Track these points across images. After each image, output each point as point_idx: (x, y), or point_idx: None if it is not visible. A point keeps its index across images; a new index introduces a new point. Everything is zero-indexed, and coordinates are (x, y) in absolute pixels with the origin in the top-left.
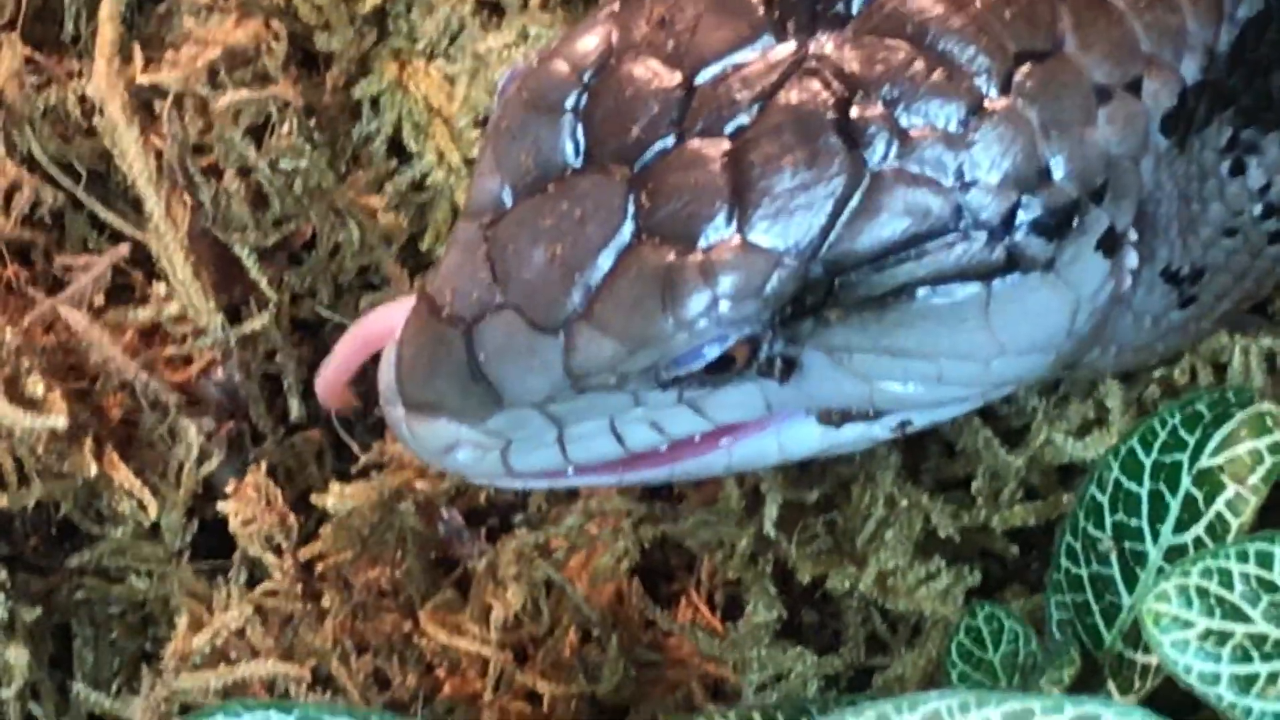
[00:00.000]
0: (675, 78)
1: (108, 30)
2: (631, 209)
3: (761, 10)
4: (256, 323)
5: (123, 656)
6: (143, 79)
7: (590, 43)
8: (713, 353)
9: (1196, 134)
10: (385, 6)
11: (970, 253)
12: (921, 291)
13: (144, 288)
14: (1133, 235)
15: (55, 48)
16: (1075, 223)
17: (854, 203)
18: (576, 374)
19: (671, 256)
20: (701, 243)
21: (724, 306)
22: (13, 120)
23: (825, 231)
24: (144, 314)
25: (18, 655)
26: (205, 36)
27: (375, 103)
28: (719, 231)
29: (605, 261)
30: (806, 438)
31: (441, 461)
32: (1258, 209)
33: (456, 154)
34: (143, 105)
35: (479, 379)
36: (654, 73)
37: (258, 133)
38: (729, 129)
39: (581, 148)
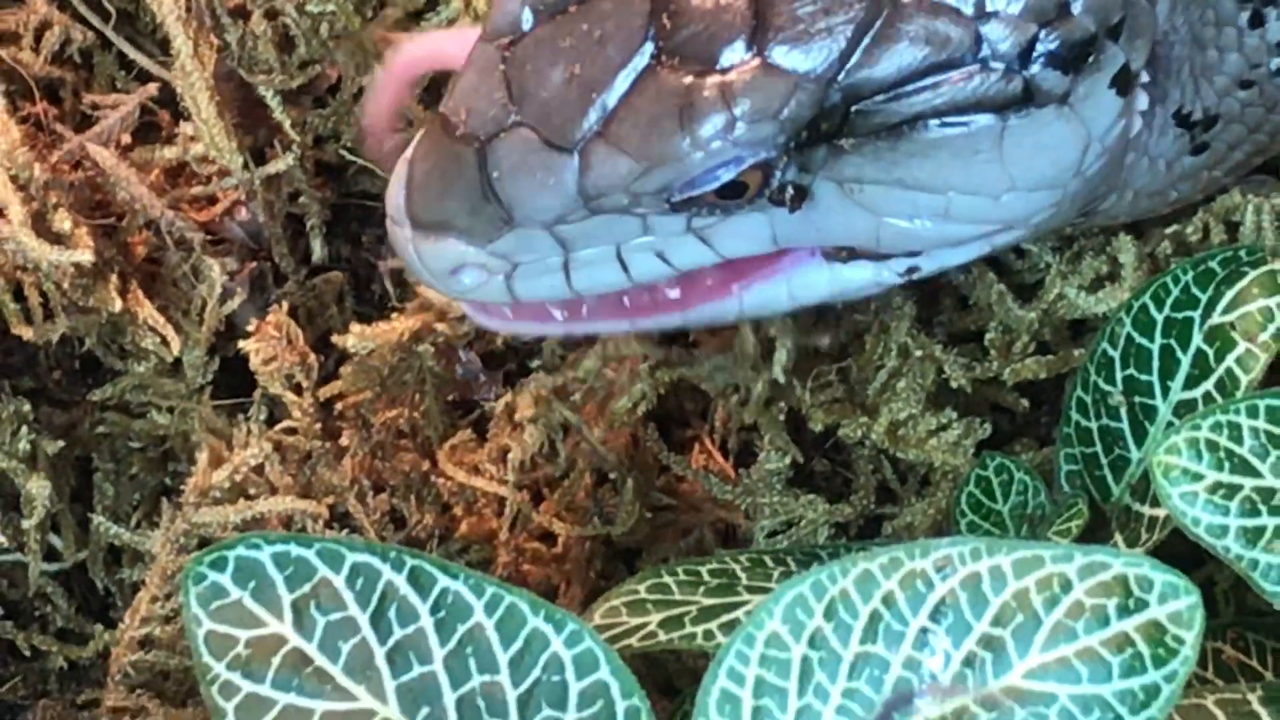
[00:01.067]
0: None
1: None
2: (652, 31)
3: None
4: (280, 164)
5: (143, 491)
6: None
7: None
8: (727, 175)
9: None
10: None
11: (987, 84)
12: (936, 122)
13: (170, 127)
14: (1145, 76)
15: None
16: (1091, 58)
17: (874, 29)
18: (589, 193)
19: (690, 78)
20: (721, 64)
21: (740, 128)
22: None
23: (844, 57)
24: (170, 153)
25: (39, 487)
26: None
27: None
28: (739, 54)
29: (624, 82)
30: (816, 283)
31: (446, 284)
32: (1276, 63)
33: None
34: None
35: (490, 197)
36: None
37: None
38: None
39: None
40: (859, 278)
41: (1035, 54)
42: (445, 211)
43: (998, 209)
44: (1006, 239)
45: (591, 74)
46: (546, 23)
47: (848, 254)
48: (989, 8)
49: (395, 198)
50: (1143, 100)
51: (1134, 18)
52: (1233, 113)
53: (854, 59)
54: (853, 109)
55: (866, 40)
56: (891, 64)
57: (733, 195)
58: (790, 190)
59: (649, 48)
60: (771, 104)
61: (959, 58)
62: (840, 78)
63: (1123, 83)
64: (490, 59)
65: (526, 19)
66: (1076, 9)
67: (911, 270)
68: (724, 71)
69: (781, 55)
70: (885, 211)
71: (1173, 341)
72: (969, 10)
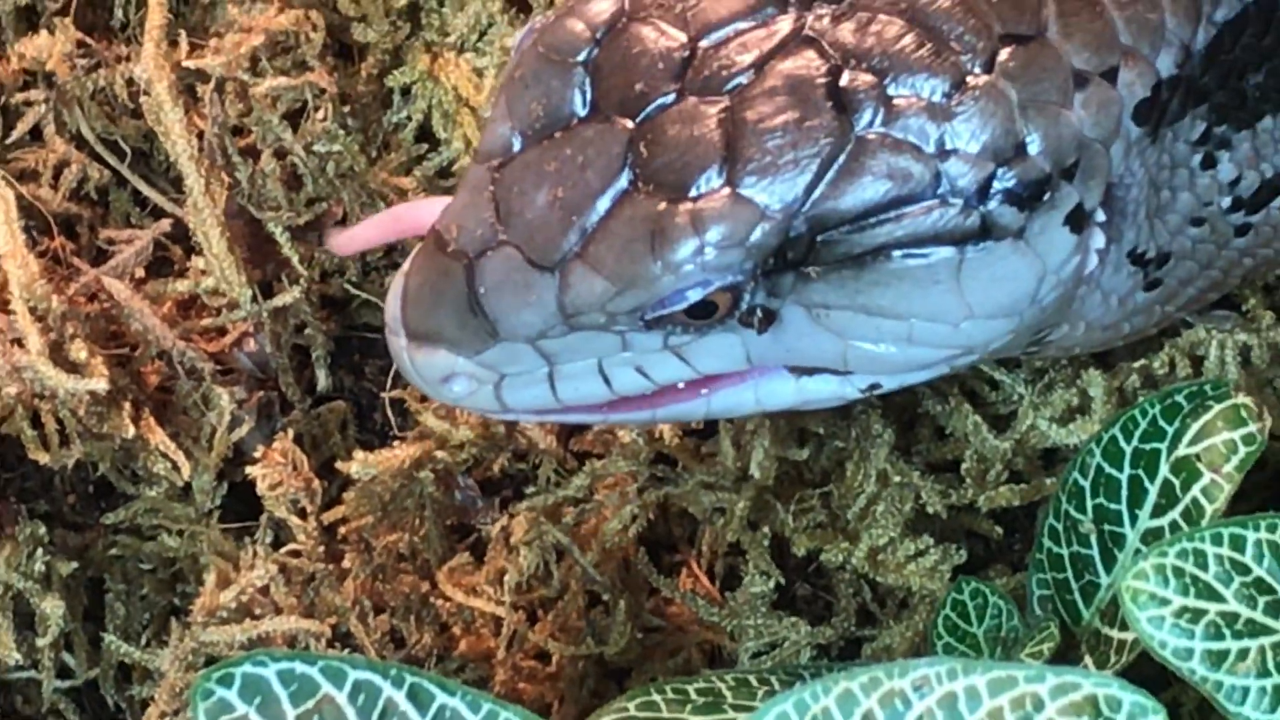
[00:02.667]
0: (681, 39)
1: (156, 16)
2: (630, 158)
3: None
4: (287, 297)
5: (153, 610)
6: (188, 63)
7: (604, 3)
8: (695, 296)
9: (1169, 125)
10: (419, 1)
11: (946, 218)
12: (898, 252)
13: (183, 261)
14: (1100, 216)
15: (105, 33)
16: (1046, 196)
17: (839, 164)
18: (568, 311)
19: (664, 204)
20: (693, 192)
21: (709, 254)
22: (63, 100)
23: (810, 189)
24: (182, 286)
25: (53, 606)
26: (248, 24)
27: (406, 92)
28: (710, 183)
29: (602, 206)
30: (782, 391)
31: (438, 391)
32: (1226, 201)
33: None
34: (186, 89)
35: (477, 311)
36: (661, 33)
37: (294, 117)
38: (727, 89)
39: (588, 99)
40: (823, 390)
41: (993, 191)
42: (436, 323)
43: (957, 335)
44: (965, 361)
45: (573, 197)
46: (533, 147)
47: (809, 370)
48: (949, 146)
49: (392, 309)
50: (1099, 238)
51: (1089, 160)
52: (1185, 250)
53: (819, 191)
54: (818, 238)
55: (831, 174)
56: (856, 197)
57: (703, 315)
58: (759, 313)
59: (627, 174)
60: (739, 232)
61: (920, 192)
62: (806, 209)
63: (1076, 221)
64: (481, 180)
65: (515, 143)
66: (1033, 149)
67: (873, 386)
68: (696, 199)
69: (751, 186)
70: (851, 335)
71: (1141, 472)
72: (930, 148)
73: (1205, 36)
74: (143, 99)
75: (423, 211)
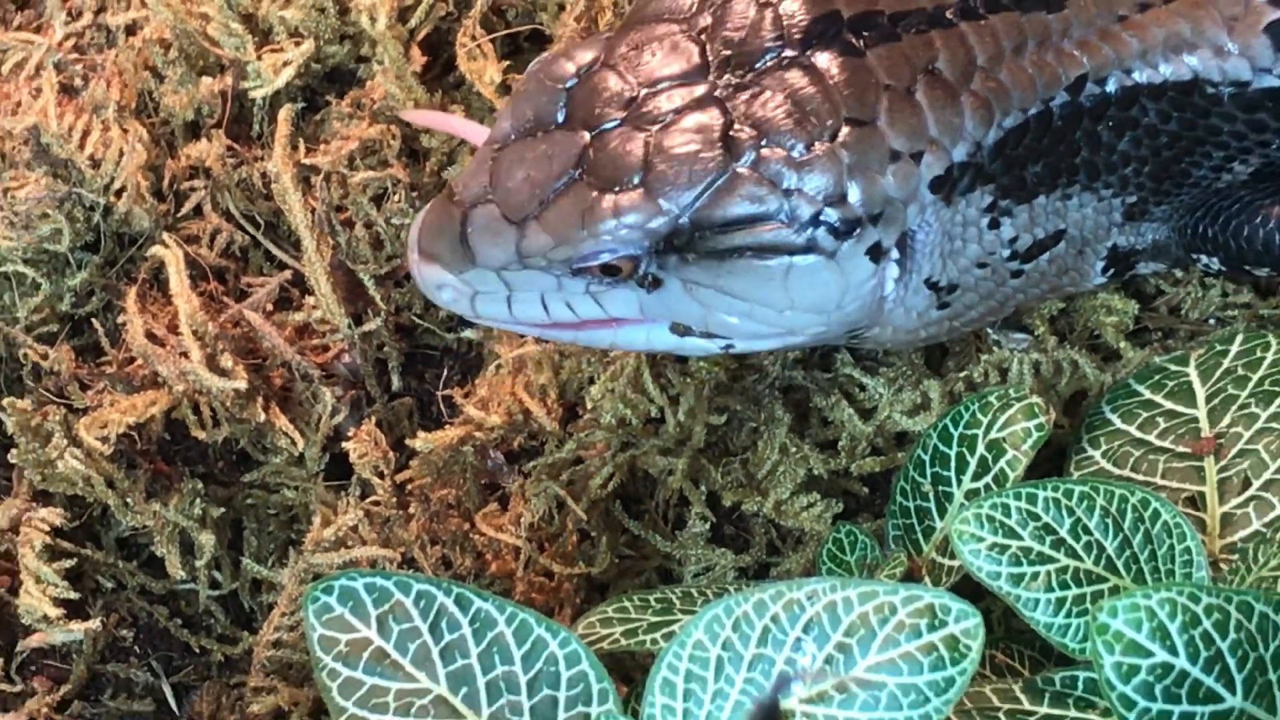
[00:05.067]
0: (633, 84)
1: (283, 128)
2: (582, 158)
3: (697, 57)
4: (372, 325)
5: (277, 542)
6: (305, 161)
7: (587, 53)
8: (607, 258)
9: (963, 195)
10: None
11: (784, 235)
12: (749, 254)
13: (300, 300)
14: (895, 254)
15: (247, 140)
16: (856, 232)
17: (718, 185)
18: (522, 254)
19: (596, 193)
20: (617, 189)
21: (621, 231)
22: (217, 187)
23: (696, 199)
24: (298, 317)
25: (207, 539)
26: (346, 134)
27: None
28: (630, 184)
29: (558, 186)
30: (665, 338)
31: (433, 295)
32: (1006, 253)
33: None
34: (303, 179)
35: (465, 244)
36: (620, 78)
37: (379, 200)
38: (654, 123)
39: (564, 114)
40: (693, 344)
41: (819, 222)
42: (438, 248)
43: (781, 319)
44: (794, 341)
45: (539, 177)
46: (522, 140)
47: (684, 330)
48: (795, 187)
49: (412, 234)
50: (894, 269)
51: (890, 213)
52: (970, 284)
53: (702, 202)
54: (696, 234)
55: (711, 192)
56: (725, 210)
57: (612, 273)
58: (650, 278)
59: (578, 167)
60: (643, 220)
61: (770, 215)
62: (691, 212)
63: (874, 254)
64: (485, 156)
65: (512, 136)
66: (852, 200)
67: (728, 346)
68: (618, 193)
69: (656, 190)
70: (710, 306)
71: (964, 450)
72: (782, 185)
73: (995, 136)
74: (273, 185)
75: (473, 132)
